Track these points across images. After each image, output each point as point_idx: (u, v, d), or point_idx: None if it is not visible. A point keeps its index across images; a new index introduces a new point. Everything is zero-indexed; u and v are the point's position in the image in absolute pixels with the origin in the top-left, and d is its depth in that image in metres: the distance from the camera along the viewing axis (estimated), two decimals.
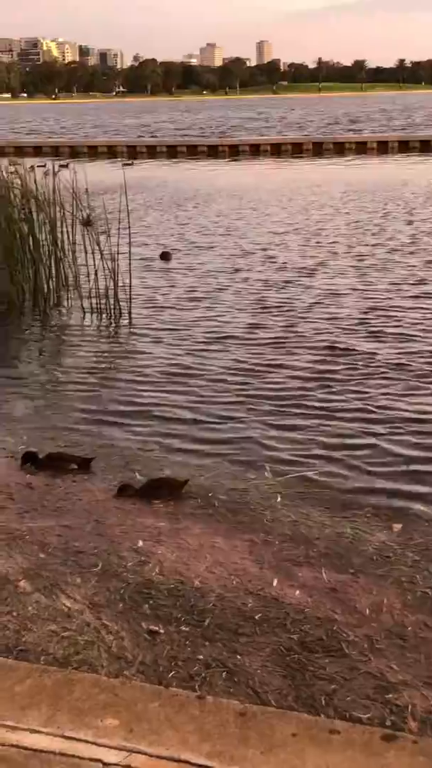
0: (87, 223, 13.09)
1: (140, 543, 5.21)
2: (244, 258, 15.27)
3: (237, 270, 14.20)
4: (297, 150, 42.36)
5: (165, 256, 15.51)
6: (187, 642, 4.17)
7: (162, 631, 4.26)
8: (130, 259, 11.73)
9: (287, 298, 12.06)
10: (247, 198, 24.08)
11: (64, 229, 12.59)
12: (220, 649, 4.12)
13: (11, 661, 3.84)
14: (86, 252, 12.29)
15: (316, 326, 10.53)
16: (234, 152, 42.60)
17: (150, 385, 8.64)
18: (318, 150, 42.17)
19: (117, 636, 4.22)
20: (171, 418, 7.66)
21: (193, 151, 43.18)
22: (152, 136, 54.39)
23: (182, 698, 3.44)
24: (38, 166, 15.24)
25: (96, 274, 11.68)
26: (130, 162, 37.37)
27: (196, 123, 73.77)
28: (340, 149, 42.10)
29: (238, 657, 4.05)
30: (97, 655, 4.05)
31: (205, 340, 10.15)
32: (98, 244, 11.61)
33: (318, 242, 16.73)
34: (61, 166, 19.01)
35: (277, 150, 42.64)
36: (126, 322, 11.23)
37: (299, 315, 11.12)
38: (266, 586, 4.69)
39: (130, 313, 11.39)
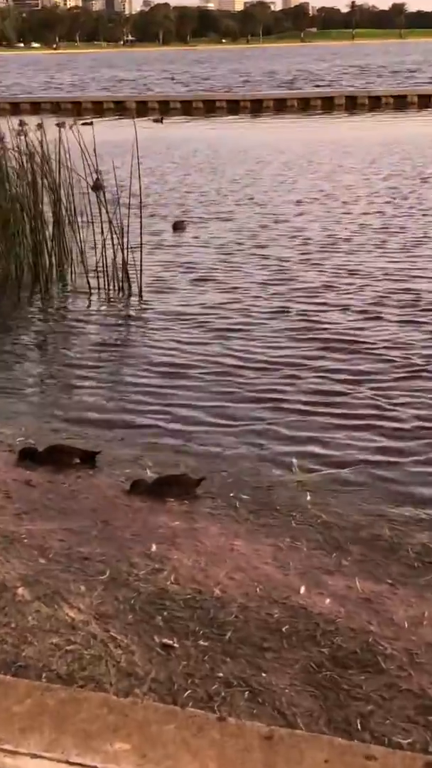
0: (96, 187, 13.10)
1: (153, 547, 5.24)
2: (264, 231, 15.17)
3: (256, 245, 14.11)
4: (328, 105, 42.19)
5: (178, 227, 15.51)
6: (206, 658, 4.19)
7: (177, 645, 4.28)
8: (141, 231, 11.73)
9: (311, 279, 11.96)
10: (270, 161, 24.01)
11: (70, 196, 12.60)
12: (243, 665, 4.14)
13: (9, 678, 3.85)
14: (92, 222, 12.30)
15: (342, 312, 10.40)
16: (256, 108, 42.49)
17: (163, 372, 8.68)
18: (351, 105, 41.99)
19: (127, 650, 4.24)
20: (187, 409, 7.69)
21: (210, 107, 43.10)
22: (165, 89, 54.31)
23: (201, 720, 3.45)
24: (57, 125, 15.24)
25: (103, 246, 11.70)
26: (159, 118, 37.51)
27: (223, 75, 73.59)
28: (376, 104, 41.89)
29: (263, 675, 4.07)
30: (104, 671, 4.08)
31: (223, 325, 10.10)
32: (107, 213, 11.61)
33: (346, 213, 16.58)
34: (85, 124, 18.93)
35: (305, 105, 42.51)
36: (136, 301, 11.25)
37: (324, 299, 11.01)
38: (293, 595, 4.70)
39: (140, 291, 11.41)
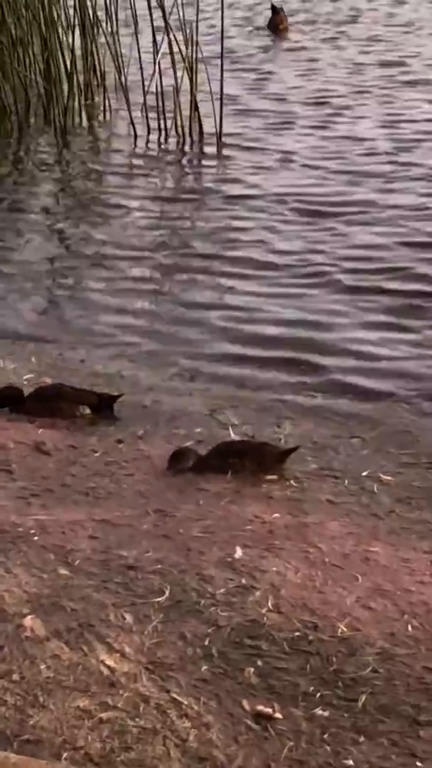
0: None
1: (238, 552, 5.22)
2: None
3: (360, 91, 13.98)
4: None
5: (272, 24, 16.10)
6: (326, 735, 4.13)
7: (279, 714, 4.23)
8: (222, 36, 11.62)
9: None
10: None
11: None
12: (386, 748, 4.08)
13: (15, 757, 3.84)
14: (135, 27, 12.19)
15: None
16: None
17: (251, 261, 8.73)
18: None
19: (198, 721, 4.19)
20: (288, 333, 7.69)
21: None
22: None
23: None
24: None
25: (158, 64, 11.63)
26: None
27: None
28: None
29: (420, 764, 4.01)
30: (162, 753, 4.03)
31: (343, 206, 10.07)
32: (163, 14, 11.49)
33: None
34: None
35: None
36: (213, 150, 11.24)
37: None
38: None
39: (219, 135, 11.34)
